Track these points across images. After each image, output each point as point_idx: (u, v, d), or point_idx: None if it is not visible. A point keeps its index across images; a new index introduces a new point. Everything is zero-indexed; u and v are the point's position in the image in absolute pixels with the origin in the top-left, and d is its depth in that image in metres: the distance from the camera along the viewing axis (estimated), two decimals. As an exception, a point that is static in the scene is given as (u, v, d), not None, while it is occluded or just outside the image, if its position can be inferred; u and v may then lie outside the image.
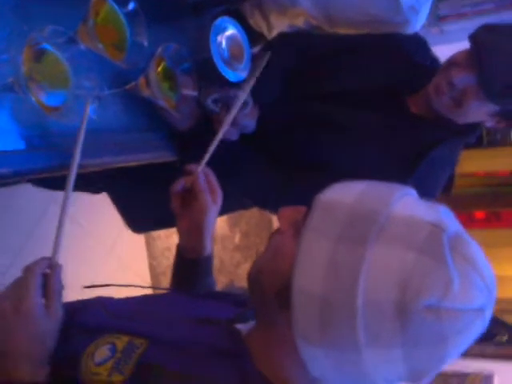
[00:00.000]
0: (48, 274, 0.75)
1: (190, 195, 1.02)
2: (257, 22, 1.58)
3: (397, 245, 0.56)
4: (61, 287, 0.75)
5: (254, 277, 0.69)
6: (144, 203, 1.47)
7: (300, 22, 1.52)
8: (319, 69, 1.37)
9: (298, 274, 0.60)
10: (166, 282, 2.60)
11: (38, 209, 1.92)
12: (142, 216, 1.52)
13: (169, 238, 2.38)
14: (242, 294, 0.91)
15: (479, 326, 0.58)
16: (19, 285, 0.72)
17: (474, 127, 1.29)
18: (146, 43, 0.86)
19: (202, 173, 1.02)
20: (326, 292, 0.57)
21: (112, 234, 2.15)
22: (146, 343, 0.71)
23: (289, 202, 1.32)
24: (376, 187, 0.65)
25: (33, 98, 0.69)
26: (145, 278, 2.44)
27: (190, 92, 0.98)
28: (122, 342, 0.71)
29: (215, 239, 2.75)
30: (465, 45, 1.19)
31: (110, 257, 2.22)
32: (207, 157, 1.03)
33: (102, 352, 0.70)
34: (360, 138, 1.28)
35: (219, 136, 1.02)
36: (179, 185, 1.02)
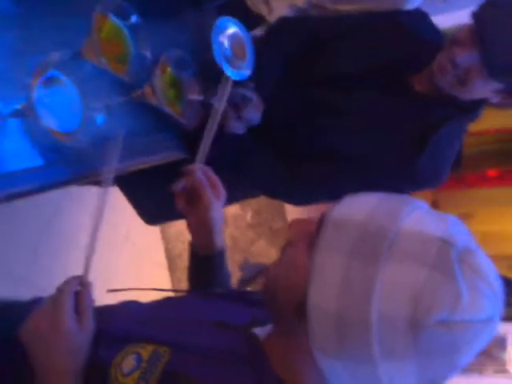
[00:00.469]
0: (79, 292, 0.78)
1: (193, 194, 1.04)
2: (256, 5, 1.57)
3: (407, 261, 0.58)
4: (91, 303, 0.79)
5: (269, 290, 0.71)
6: (156, 197, 1.48)
7: (300, 2, 1.50)
8: (320, 53, 1.36)
9: (312, 291, 0.62)
10: (182, 264, 2.66)
11: (52, 205, 1.95)
12: (154, 209, 1.55)
13: (182, 223, 2.40)
14: (256, 293, 0.94)
15: (489, 333, 0.60)
16: (53, 304, 0.75)
17: (480, 103, 1.29)
18: (149, 55, 0.87)
19: (200, 171, 1.03)
20: (341, 309, 0.59)
21: (126, 222, 2.18)
22: (169, 351, 0.73)
23: (297, 193, 1.36)
24: (386, 202, 0.65)
25: (44, 126, 0.70)
26: (161, 262, 2.49)
27: (195, 97, 0.99)
28: (146, 351, 0.74)
29: (227, 219, 2.80)
30: (469, 12, 1.16)
31: (126, 244, 2.26)
32: (201, 156, 1.04)
33: (128, 362, 0.73)
34: (366, 122, 1.28)
35: (210, 137, 1.03)
36: (179, 185, 1.04)
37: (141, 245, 2.36)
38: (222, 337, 0.77)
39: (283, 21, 1.46)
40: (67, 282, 0.78)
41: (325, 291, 0.61)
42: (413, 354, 0.58)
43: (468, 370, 2.37)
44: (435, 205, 4.26)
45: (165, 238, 2.47)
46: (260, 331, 0.77)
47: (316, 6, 1.49)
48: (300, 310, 0.63)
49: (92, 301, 0.79)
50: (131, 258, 2.30)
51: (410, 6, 1.45)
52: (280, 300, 0.68)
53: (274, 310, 0.72)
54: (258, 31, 1.52)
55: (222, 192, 1.06)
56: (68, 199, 1.95)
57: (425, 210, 0.66)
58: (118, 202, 1.62)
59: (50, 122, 0.72)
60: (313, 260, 0.63)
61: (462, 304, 0.57)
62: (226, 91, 1.02)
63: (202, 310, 0.87)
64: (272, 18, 1.53)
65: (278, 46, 1.40)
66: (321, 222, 0.66)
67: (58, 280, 0.81)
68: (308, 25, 1.45)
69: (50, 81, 0.74)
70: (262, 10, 1.52)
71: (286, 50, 1.39)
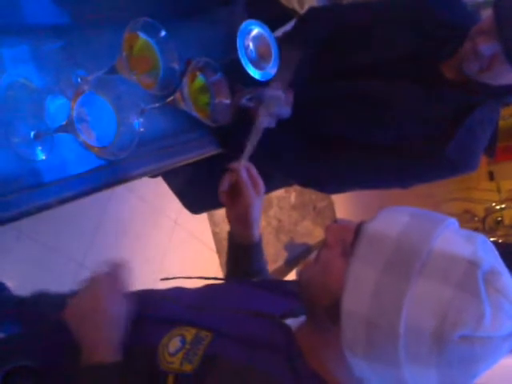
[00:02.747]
0: (113, 274, 0.88)
1: (236, 190, 1.10)
2: (288, -1, 1.60)
3: (436, 279, 0.63)
4: (124, 283, 0.88)
5: (304, 288, 0.76)
6: (197, 188, 1.57)
7: (330, -8, 1.53)
8: (350, 42, 1.38)
9: (346, 298, 0.67)
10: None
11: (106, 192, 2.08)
12: (197, 199, 1.64)
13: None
14: (292, 283, 1.00)
15: (508, 347, 0.65)
16: (91, 287, 0.86)
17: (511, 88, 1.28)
18: (177, 67, 0.94)
19: (244, 169, 1.09)
20: (372, 317, 0.65)
21: (174, 208, 2.29)
22: (210, 335, 0.80)
23: (330, 184, 1.40)
24: (419, 220, 0.69)
25: (81, 141, 0.79)
26: (209, 245, 2.60)
27: (223, 100, 1.06)
28: (190, 334, 0.81)
29: (272, 202, 2.87)
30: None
31: (176, 229, 2.39)
32: (247, 154, 1.09)
33: (174, 343, 0.80)
34: (397, 110, 1.29)
35: (255, 138, 1.09)
36: (225, 184, 1.10)
37: (189, 229, 2.47)
38: (259, 325, 0.83)
39: (312, 10, 1.48)
40: (101, 268, 0.87)
41: (358, 300, 0.66)
42: (435, 362, 0.63)
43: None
44: (490, 176, 4.13)
45: (212, 222, 2.57)
46: (292, 322, 0.83)
47: (345, -7, 1.52)
48: (333, 310, 0.69)
49: (124, 281, 0.88)
50: (181, 242, 2.42)
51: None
52: (314, 299, 0.74)
53: (308, 306, 0.78)
54: (290, 24, 1.55)
55: (262, 189, 1.11)
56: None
57: (455, 229, 0.70)
58: (166, 190, 1.72)
59: (88, 136, 0.81)
60: (348, 270, 0.68)
61: (484, 322, 0.62)
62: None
63: (240, 299, 0.93)
64: (303, 10, 1.56)
65: (307, 36, 1.42)
66: (357, 233, 0.70)
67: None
68: (336, 13, 1.47)
69: (88, 99, 0.82)
70: (293, 3, 1.56)
71: (315, 40, 1.41)
